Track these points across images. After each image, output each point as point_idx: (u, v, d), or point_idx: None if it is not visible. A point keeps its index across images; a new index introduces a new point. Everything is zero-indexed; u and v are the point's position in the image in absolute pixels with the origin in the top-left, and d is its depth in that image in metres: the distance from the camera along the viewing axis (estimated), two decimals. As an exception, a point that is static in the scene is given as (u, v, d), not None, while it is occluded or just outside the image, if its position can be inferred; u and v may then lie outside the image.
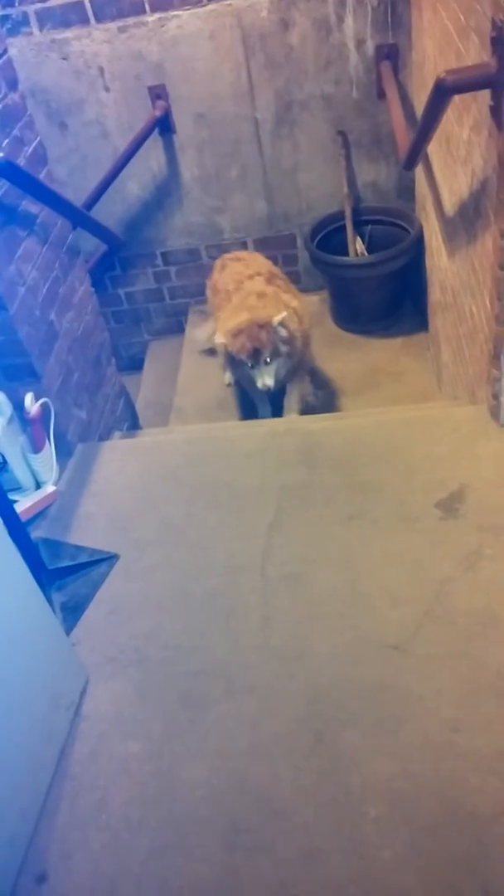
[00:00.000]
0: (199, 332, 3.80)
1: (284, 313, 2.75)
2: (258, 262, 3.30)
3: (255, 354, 2.75)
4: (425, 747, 1.47)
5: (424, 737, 1.49)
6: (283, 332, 2.75)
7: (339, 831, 1.38)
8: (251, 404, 3.28)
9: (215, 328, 3.10)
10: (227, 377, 3.22)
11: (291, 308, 2.90)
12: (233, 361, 2.87)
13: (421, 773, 1.43)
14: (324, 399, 3.29)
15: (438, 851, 1.32)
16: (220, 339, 2.84)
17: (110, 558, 2.03)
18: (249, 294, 2.94)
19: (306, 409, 3.13)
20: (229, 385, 3.32)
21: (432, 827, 1.35)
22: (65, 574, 2.00)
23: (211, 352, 3.53)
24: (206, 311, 3.74)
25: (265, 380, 2.78)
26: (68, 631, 1.84)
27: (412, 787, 1.42)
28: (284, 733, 1.55)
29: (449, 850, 1.32)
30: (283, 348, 2.79)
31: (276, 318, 2.72)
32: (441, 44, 2.41)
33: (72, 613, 1.90)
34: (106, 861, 1.41)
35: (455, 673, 1.58)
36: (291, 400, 3.08)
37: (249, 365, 2.79)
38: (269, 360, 2.76)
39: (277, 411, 3.14)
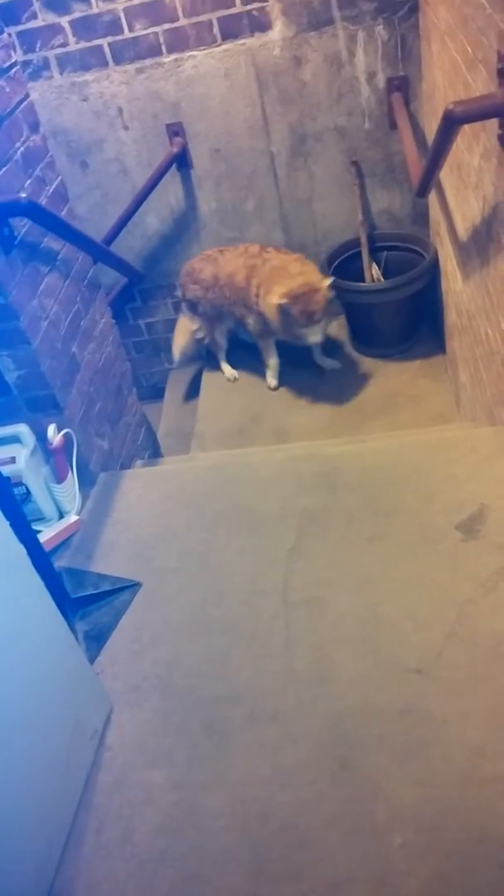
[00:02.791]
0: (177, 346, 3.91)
1: (332, 278, 3.16)
2: (244, 246, 3.52)
3: (311, 315, 3.10)
4: (450, 772, 1.46)
5: (449, 761, 1.47)
6: (331, 294, 3.15)
7: (366, 859, 1.36)
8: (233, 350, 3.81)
9: (192, 328, 3.69)
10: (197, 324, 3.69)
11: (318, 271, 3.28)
12: (286, 320, 3.17)
13: (447, 799, 1.42)
14: (321, 424, 3.43)
15: (466, 879, 1.30)
16: (277, 301, 3.11)
17: (133, 586, 2.05)
18: (288, 262, 3.27)
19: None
20: (197, 330, 3.73)
21: (459, 853, 1.33)
22: (88, 603, 2.02)
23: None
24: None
25: (316, 336, 3.22)
26: (92, 659, 1.85)
27: (438, 813, 1.40)
28: (308, 760, 1.54)
29: (476, 877, 1.30)
30: (329, 308, 3.19)
31: (326, 283, 3.11)
32: (450, 75, 2.46)
33: (95, 642, 1.91)
34: (132, 892, 1.41)
35: (479, 696, 1.57)
36: (319, 348, 3.56)
37: (302, 324, 3.13)
38: (320, 319, 3.14)
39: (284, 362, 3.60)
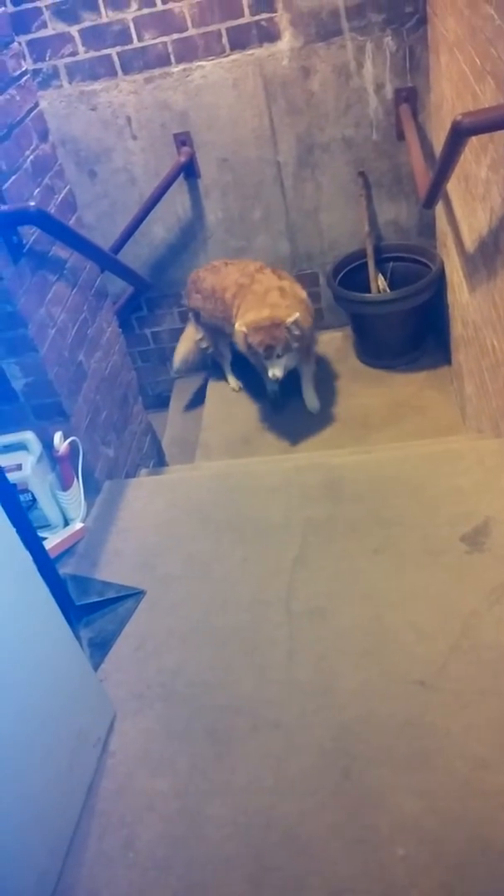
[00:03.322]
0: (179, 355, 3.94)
1: (298, 314, 3.04)
2: (243, 262, 3.50)
3: (270, 349, 3.04)
4: (453, 784, 1.45)
5: (452, 774, 1.47)
6: (296, 331, 3.04)
7: (368, 870, 1.36)
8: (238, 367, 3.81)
9: (197, 338, 3.73)
10: (201, 334, 3.73)
11: (305, 301, 3.27)
12: (249, 349, 3.15)
13: (449, 811, 1.42)
14: (326, 434, 3.42)
15: (468, 891, 1.30)
16: (240, 329, 3.09)
17: (137, 594, 2.05)
18: (270, 288, 3.20)
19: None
20: (201, 340, 3.77)
21: (461, 866, 1.33)
22: (92, 610, 2.03)
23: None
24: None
25: (275, 371, 3.11)
26: (96, 667, 1.85)
27: (441, 825, 1.40)
28: (311, 770, 1.54)
29: (478, 890, 1.29)
30: (294, 345, 3.09)
31: (290, 319, 3.01)
32: (458, 86, 2.48)
33: (99, 649, 1.92)
34: (133, 899, 1.41)
35: (482, 709, 1.57)
36: (306, 377, 3.48)
37: (264, 356, 3.07)
38: (280, 354, 3.07)
39: (282, 391, 3.55)
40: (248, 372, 3.79)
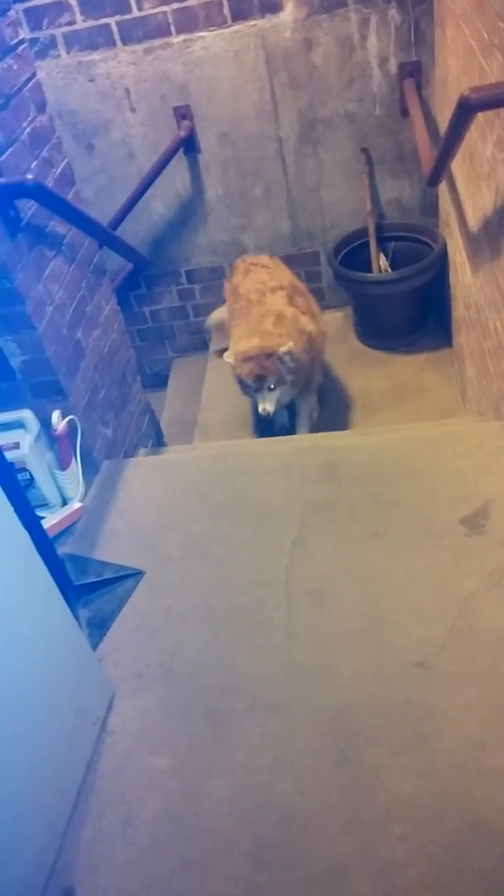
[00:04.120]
0: (214, 316, 3.87)
1: (291, 344, 2.79)
2: (281, 272, 3.31)
3: (260, 381, 2.82)
4: (450, 765, 1.46)
5: (449, 755, 1.48)
6: (290, 363, 2.81)
7: (365, 849, 1.37)
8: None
9: (225, 318, 3.39)
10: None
11: (307, 333, 2.96)
12: (240, 381, 2.94)
13: (446, 792, 1.42)
14: (326, 417, 3.33)
15: (464, 870, 1.31)
16: (229, 359, 2.91)
17: (136, 574, 2.05)
18: (268, 314, 2.95)
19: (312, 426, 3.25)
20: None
21: (458, 845, 1.34)
22: (91, 590, 2.03)
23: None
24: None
25: (266, 405, 2.87)
26: (94, 646, 1.85)
27: (437, 805, 1.41)
28: (309, 750, 1.55)
29: (474, 869, 1.31)
30: (288, 377, 2.85)
31: (283, 349, 2.76)
32: (464, 61, 2.43)
33: (98, 629, 1.92)
34: (132, 876, 1.42)
35: (480, 690, 1.57)
36: (302, 416, 3.21)
37: (254, 388, 2.87)
38: (272, 387, 2.84)
39: (281, 429, 3.31)
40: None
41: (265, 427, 3.33)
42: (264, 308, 3.01)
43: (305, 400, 3.18)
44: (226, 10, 3.09)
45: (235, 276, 3.35)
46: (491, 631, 1.69)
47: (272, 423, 3.24)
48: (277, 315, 2.94)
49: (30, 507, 1.78)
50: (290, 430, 3.30)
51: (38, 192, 2.08)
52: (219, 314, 3.78)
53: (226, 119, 3.39)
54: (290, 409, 3.23)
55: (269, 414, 2.89)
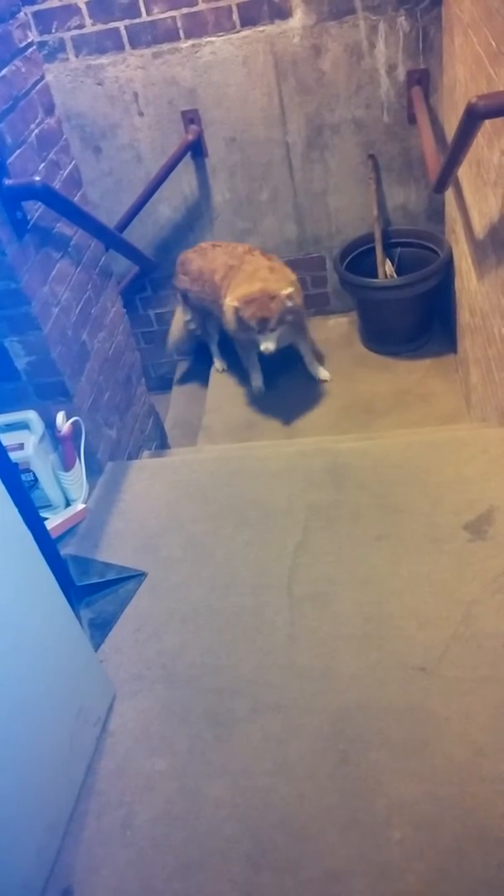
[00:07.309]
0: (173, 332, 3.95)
1: (292, 288, 3.08)
2: (231, 246, 3.49)
3: (263, 322, 3.05)
4: (451, 770, 1.46)
5: (450, 760, 1.48)
6: (290, 304, 3.07)
7: (364, 853, 1.37)
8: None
9: (185, 319, 3.71)
10: (188, 314, 3.72)
11: (295, 282, 3.24)
12: (241, 324, 3.14)
13: (446, 797, 1.42)
14: (331, 420, 3.42)
15: (463, 876, 1.31)
16: (231, 304, 3.11)
17: (138, 576, 2.05)
18: (259, 267, 3.22)
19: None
20: (189, 321, 3.76)
21: (457, 851, 1.34)
22: (93, 591, 2.03)
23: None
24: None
25: (268, 345, 3.11)
26: (96, 647, 1.86)
27: (437, 810, 1.41)
28: (309, 753, 1.55)
29: (474, 875, 1.30)
30: (288, 318, 3.11)
31: (285, 291, 3.04)
32: (472, 69, 2.44)
33: (99, 630, 1.92)
34: (131, 878, 1.41)
35: (482, 696, 1.57)
36: (307, 355, 3.54)
37: (256, 330, 3.08)
38: (273, 327, 3.07)
39: (267, 375, 3.58)
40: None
41: (269, 364, 3.52)
42: (252, 265, 3.25)
43: (303, 339, 3.47)
44: (235, 15, 3.10)
45: (195, 262, 3.49)
46: (493, 636, 1.68)
47: (273, 361, 3.43)
48: (269, 268, 3.22)
49: (33, 507, 1.79)
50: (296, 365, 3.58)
51: (46, 194, 2.09)
52: (174, 331, 3.90)
53: (233, 124, 3.40)
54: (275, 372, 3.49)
55: (271, 352, 3.13)
